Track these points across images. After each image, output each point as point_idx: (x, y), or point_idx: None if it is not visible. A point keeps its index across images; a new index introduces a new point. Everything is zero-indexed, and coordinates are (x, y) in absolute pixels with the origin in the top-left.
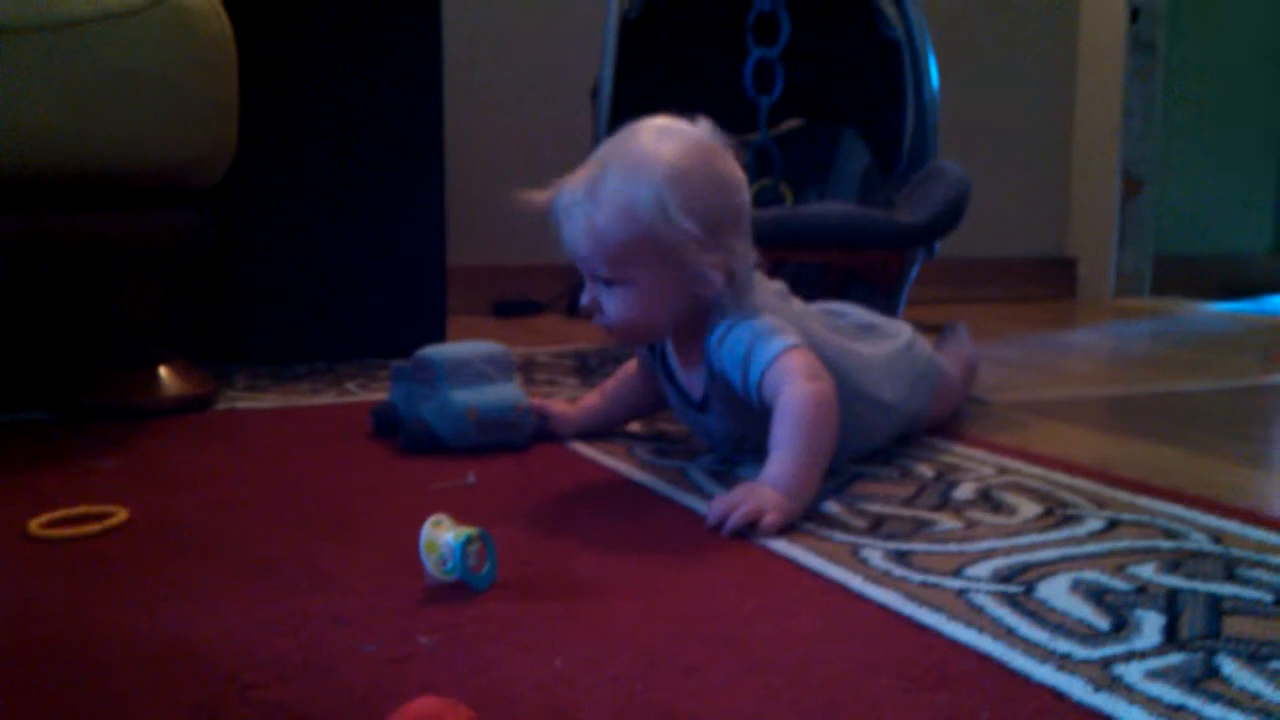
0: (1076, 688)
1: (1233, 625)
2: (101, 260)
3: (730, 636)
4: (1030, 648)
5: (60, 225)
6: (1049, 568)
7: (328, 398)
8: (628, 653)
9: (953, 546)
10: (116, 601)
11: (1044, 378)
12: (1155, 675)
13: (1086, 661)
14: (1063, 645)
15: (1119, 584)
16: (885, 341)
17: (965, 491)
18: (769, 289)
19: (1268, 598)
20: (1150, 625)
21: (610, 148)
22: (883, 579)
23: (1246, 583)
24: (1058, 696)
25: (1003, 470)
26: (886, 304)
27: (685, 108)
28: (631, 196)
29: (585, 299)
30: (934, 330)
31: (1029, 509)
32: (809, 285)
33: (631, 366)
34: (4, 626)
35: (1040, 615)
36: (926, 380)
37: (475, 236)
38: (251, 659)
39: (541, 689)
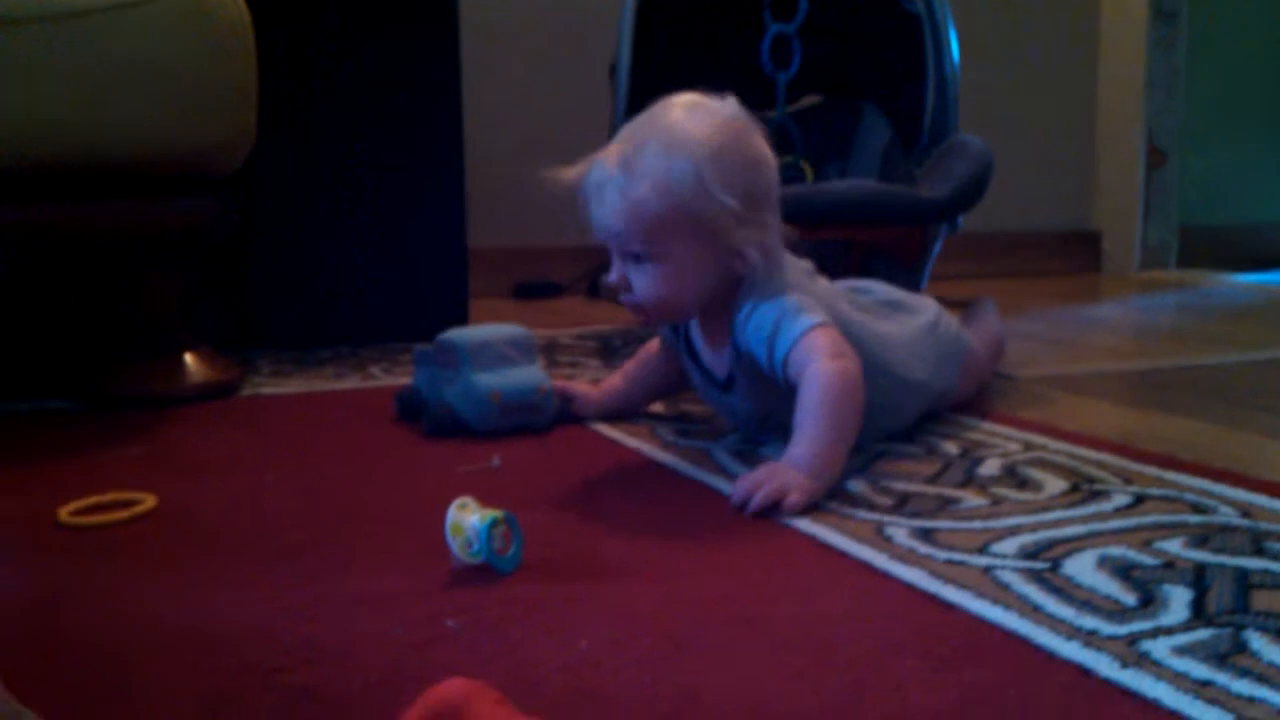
0: (1103, 664)
1: (1261, 600)
2: (123, 249)
3: (755, 617)
4: (1056, 624)
5: (81, 215)
6: (1075, 544)
7: (352, 382)
8: (652, 634)
9: (978, 524)
10: (143, 587)
11: (1069, 352)
12: (1182, 651)
13: (1113, 638)
14: (1089, 621)
15: (1146, 559)
16: (911, 318)
17: (990, 468)
18: (797, 267)
19: None
20: (1178, 601)
21: (641, 124)
22: (908, 557)
23: (1275, 557)
24: (1084, 673)
25: (1028, 446)
26: (909, 280)
27: (703, 85)
28: (669, 170)
29: (613, 277)
30: (959, 306)
31: (1055, 485)
32: (832, 262)
33: (653, 347)
34: (34, 612)
35: (1066, 592)
36: (954, 357)
37: (495, 219)
38: (277, 643)
39: (567, 671)
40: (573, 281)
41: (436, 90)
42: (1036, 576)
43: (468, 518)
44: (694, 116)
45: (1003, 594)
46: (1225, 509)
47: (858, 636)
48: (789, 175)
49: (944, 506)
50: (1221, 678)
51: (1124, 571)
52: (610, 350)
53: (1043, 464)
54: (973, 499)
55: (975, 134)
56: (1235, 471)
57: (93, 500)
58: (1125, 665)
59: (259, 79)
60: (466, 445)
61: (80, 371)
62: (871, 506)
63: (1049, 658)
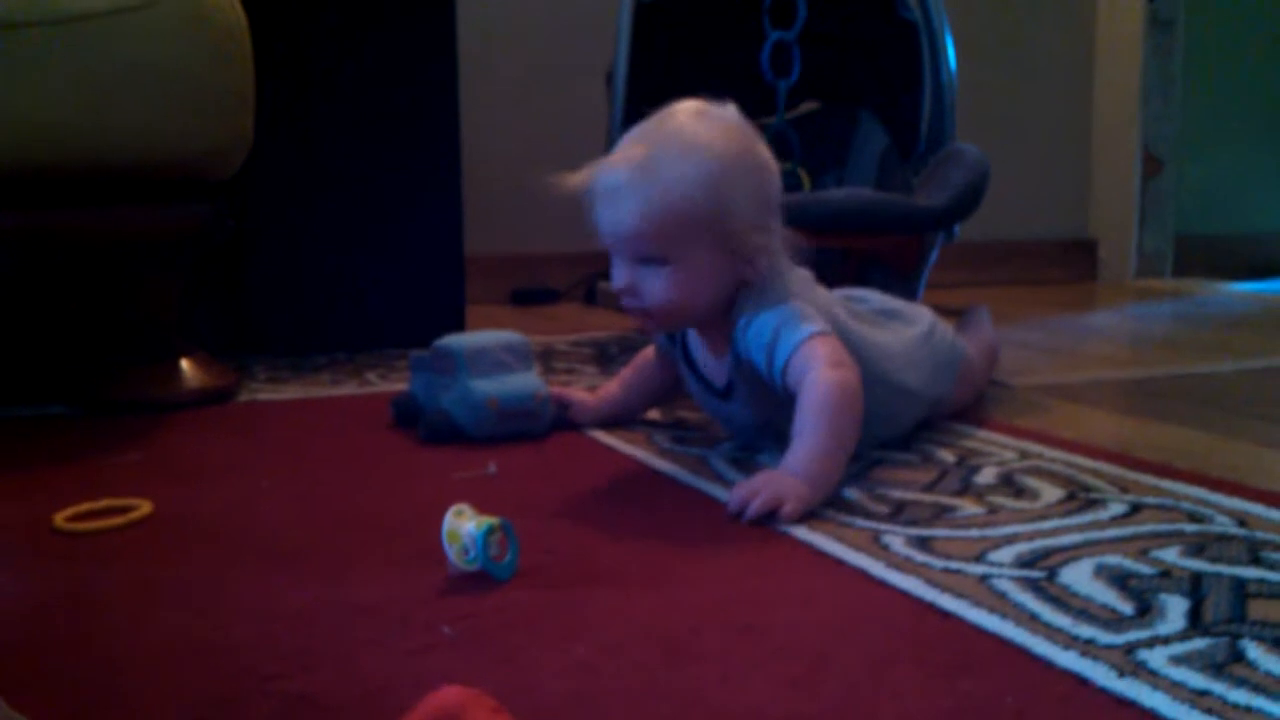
0: (1100, 673)
1: (1258, 609)
2: (119, 254)
3: (751, 624)
4: (1053, 633)
5: (77, 219)
6: (1072, 552)
7: (348, 389)
8: (649, 641)
9: (974, 532)
10: (139, 593)
11: (1065, 361)
12: (1179, 660)
13: (1110, 647)
14: (1086, 631)
15: (1142, 568)
16: (908, 328)
17: (987, 476)
18: (798, 275)
19: None
20: (1174, 610)
21: (649, 129)
22: (904, 565)
23: (1271, 566)
24: (1081, 682)
25: (1024, 454)
26: (906, 289)
27: (701, 92)
28: (690, 173)
29: (619, 282)
30: (954, 315)
31: (1051, 493)
32: (828, 271)
33: (649, 354)
34: (29, 618)
35: (1063, 600)
36: (949, 366)
37: (492, 225)
38: (274, 650)
39: (564, 677)
40: (569, 288)
41: (433, 97)
42: (1033, 585)
43: (464, 524)
44: (704, 122)
45: (999, 602)
46: (1222, 518)
47: (854, 644)
48: (787, 183)
49: (940, 515)
50: (1218, 687)
51: (1121, 580)
52: (607, 357)
53: (1039, 472)
54: (969, 507)
55: (972, 142)
56: (1232, 480)
57: (88, 506)
58: (1122, 674)
59: (256, 84)
60: (463, 452)
61: (77, 376)
62: (868, 514)
63: (1046, 667)
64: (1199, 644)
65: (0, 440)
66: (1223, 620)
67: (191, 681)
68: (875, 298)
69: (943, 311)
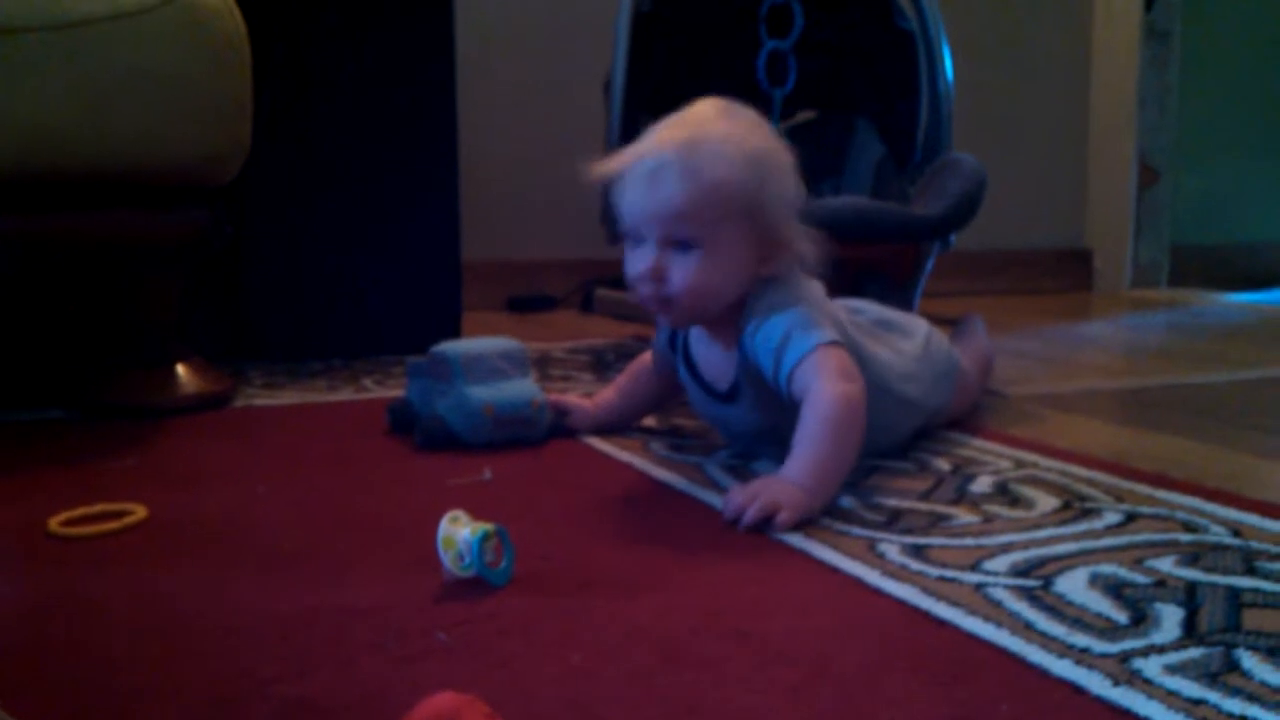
0: (1095, 682)
1: (1252, 619)
2: (117, 259)
3: (747, 631)
4: (1048, 642)
5: (75, 224)
6: (1067, 561)
7: (344, 395)
8: (645, 647)
9: (970, 541)
10: (135, 598)
11: (1061, 370)
12: (1174, 669)
13: (1105, 656)
14: (1081, 639)
15: (1137, 577)
16: (906, 339)
17: (982, 485)
18: (811, 283)
19: None
20: (1169, 619)
21: (680, 121)
22: (900, 573)
23: (1266, 576)
24: (1076, 691)
25: (1020, 464)
26: (902, 298)
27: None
28: (734, 154)
29: (642, 266)
30: (949, 324)
31: (1046, 502)
32: (824, 280)
33: (645, 360)
34: (25, 623)
35: (1058, 609)
36: (947, 376)
37: (489, 232)
38: (270, 654)
39: (559, 684)
40: (566, 295)
41: (431, 103)
42: (1028, 594)
43: (459, 531)
44: (732, 116)
45: (994, 611)
46: (1217, 528)
47: (850, 652)
48: None
49: (936, 523)
50: (1213, 696)
51: (1115, 589)
52: (603, 364)
53: (1034, 481)
54: (964, 516)
55: (968, 151)
56: (1227, 490)
57: (83, 511)
58: (1117, 683)
59: (254, 91)
60: (459, 458)
61: (73, 380)
62: (864, 523)
63: (1041, 675)
64: (1194, 653)
65: None
66: (1218, 629)
67: (188, 685)
68: (873, 309)
69: (938, 320)
